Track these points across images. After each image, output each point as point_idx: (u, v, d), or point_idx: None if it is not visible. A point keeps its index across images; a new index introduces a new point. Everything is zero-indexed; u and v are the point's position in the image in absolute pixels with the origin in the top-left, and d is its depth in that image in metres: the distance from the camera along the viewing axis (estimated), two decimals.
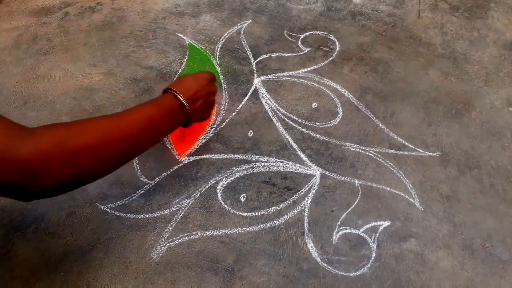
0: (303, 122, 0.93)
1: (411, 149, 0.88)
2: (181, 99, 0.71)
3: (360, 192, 0.82)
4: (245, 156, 0.87)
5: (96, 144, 0.54)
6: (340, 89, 0.99)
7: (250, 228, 0.77)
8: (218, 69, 1.03)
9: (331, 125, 0.92)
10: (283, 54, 1.06)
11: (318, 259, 0.73)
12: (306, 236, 0.76)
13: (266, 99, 0.97)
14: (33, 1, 1.24)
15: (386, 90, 0.99)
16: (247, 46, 1.09)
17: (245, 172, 0.85)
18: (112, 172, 0.60)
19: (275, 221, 0.78)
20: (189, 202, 0.81)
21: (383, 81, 1.00)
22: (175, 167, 0.85)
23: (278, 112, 0.94)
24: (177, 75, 1.02)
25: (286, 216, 0.79)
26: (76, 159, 0.51)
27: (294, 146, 0.89)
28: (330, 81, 1.00)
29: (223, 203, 0.80)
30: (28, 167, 0.46)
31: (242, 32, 1.12)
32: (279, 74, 1.02)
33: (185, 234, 0.76)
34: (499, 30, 1.13)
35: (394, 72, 1.02)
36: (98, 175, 0.58)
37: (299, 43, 1.09)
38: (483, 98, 0.97)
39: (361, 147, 0.88)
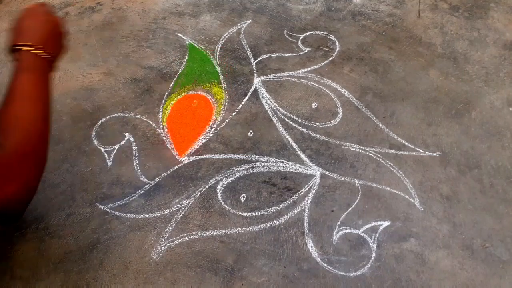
0: (303, 122, 0.93)
1: (411, 149, 0.88)
2: (36, 51, 0.61)
3: (360, 192, 0.82)
4: (245, 156, 0.87)
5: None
6: (340, 89, 0.99)
7: (250, 228, 0.77)
8: (218, 69, 1.03)
9: (331, 125, 0.92)
10: (283, 54, 1.06)
11: (318, 259, 0.73)
12: (306, 236, 0.76)
13: (266, 99, 0.97)
14: (33, 1, 1.24)
15: (386, 90, 0.99)
16: (247, 46, 1.09)
17: (245, 172, 0.85)
18: (42, 144, 0.57)
19: (275, 221, 0.78)
20: (189, 202, 0.80)
21: (383, 81, 1.00)
22: (175, 167, 0.85)
23: (278, 112, 0.94)
24: (177, 75, 1.02)
25: (286, 216, 0.79)
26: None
27: (294, 146, 0.89)
28: (330, 81, 1.00)
29: (223, 203, 0.80)
30: None
31: (242, 32, 1.12)
32: (279, 74, 1.02)
33: (185, 234, 0.76)
34: (499, 30, 1.13)
35: (394, 72, 1.02)
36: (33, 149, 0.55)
37: (299, 43, 1.09)
38: (483, 98, 0.97)
39: (361, 147, 0.88)
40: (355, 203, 0.80)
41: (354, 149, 0.88)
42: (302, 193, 0.81)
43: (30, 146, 0.53)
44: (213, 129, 0.92)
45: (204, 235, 0.76)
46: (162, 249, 0.75)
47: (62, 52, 0.69)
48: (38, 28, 0.63)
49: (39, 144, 0.55)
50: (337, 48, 1.08)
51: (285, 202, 0.80)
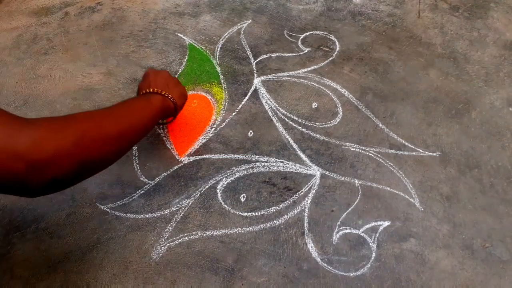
0: (303, 122, 0.93)
1: (411, 149, 0.88)
2: (167, 95, 0.74)
3: (360, 192, 0.82)
4: (245, 156, 0.87)
5: (94, 132, 0.53)
6: (340, 89, 0.99)
7: (250, 228, 0.77)
8: (218, 69, 1.03)
9: (331, 125, 0.92)
10: (283, 54, 1.06)
11: (318, 259, 0.73)
12: (306, 236, 0.76)
13: (266, 99, 0.97)
14: (33, 1, 1.24)
15: (386, 90, 0.99)
16: (247, 46, 1.09)
17: (245, 172, 0.85)
18: (110, 164, 0.60)
19: (275, 221, 0.78)
20: (189, 202, 0.81)
21: (383, 81, 1.00)
22: (175, 167, 0.85)
23: (278, 112, 0.94)
24: (177, 75, 1.02)
25: (286, 216, 0.79)
26: (75, 148, 0.49)
27: (294, 146, 0.89)
28: (330, 81, 1.00)
29: (223, 203, 0.80)
30: (27, 157, 0.44)
31: (242, 32, 1.12)
32: (279, 74, 1.02)
33: (185, 234, 0.76)
34: (499, 30, 1.13)
35: (394, 72, 1.02)
36: (97, 166, 0.57)
37: (299, 43, 1.09)
38: (483, 98, 0.97)
39: (361, 147, 0.88)
40: (355, 203, 0.80)
41: (354, 149, 0.88)
42: (302, 193, 0.81)
43: (83, 149, 0.51)
44: (213, 129, 0.92)
45: (204, 235, 0.76)
46: (162, 249, 0.75)
47: (183, 101, 0.82)
48: (166, 82, 0.78)
49: (98, 155, 0.54)
50: (337, 48, 1.08)
51: (285, 202, 0.80)
